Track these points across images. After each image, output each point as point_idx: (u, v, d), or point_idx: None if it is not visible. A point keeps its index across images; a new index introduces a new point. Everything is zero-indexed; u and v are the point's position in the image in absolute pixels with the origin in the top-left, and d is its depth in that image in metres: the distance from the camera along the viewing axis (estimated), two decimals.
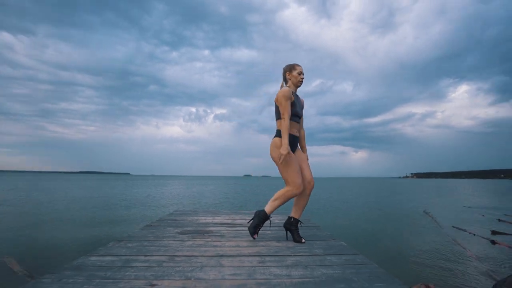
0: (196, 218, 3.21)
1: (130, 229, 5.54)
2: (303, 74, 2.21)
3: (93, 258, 1.65)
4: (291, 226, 2.19)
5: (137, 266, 1.53)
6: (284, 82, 2.28)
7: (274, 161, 2.11)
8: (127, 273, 1.42)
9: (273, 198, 2.13)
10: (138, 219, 7.23)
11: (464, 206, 11.52)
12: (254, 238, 2.17)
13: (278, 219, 3.17)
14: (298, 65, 2.22)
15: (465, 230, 6.20)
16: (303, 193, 2.17)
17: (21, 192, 16.25)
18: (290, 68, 2.22)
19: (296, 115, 2.18)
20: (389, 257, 4.17)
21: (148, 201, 11.96)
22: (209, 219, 3.13)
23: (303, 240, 2.12)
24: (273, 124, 2.23)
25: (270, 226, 2.68)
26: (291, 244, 2.07)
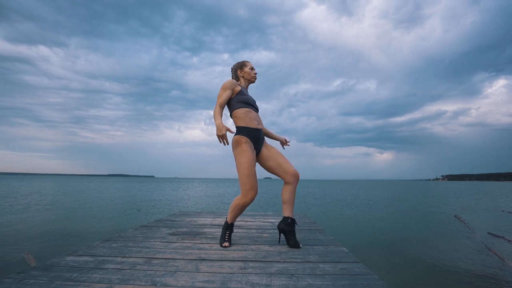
0: (195, 219, 3.09)
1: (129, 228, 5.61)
2: (254, 69, 2.16)
3: (68, 258, 1.58)
4: (288, 227, 1.94)
5: (107, 268, 1.42)
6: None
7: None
8: (93, 275, 1.32)
9: (230, 207, 1.98)
10: (144, 220, 7.34)
11: (503, 211, 10.38)
12: (225, 246, 1.89)
13: (276, 220, 2.96)
14: (248, 61, 2.15)
15: (502, 237, 5.53)
16: (293, 186, 1.92)
17: (56, 193, 17.38)
18: (240, 65, 2.14)
19: (247, 103, 1.98)
20: (411, 265, 3.77)
21: (166, 202, 12.20)
22: (208, 220, 3.00)
23: (301, 245, 1.91)
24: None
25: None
26: (285, 248, 1.86)
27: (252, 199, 1.85)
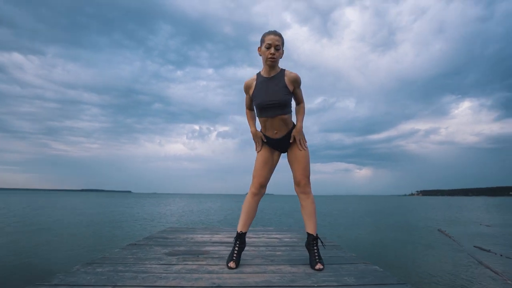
0: (191, 236, 2.72)
1: (114, 248, 4.97)
2: (274, 48, 1.56)
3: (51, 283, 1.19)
4: (308, 245, 1.70)
5: None
6: None
7: None
8: None
9: None
10: (128, 238, 6.66)
11: (482, 225, 10.74)
12: (230, 267, 1.57)
13: (287, 237, 2.67)
14: (269, 33, 1.59)
15: (489, 251, 5.57)
16: (300, 197, 1.78)
17: (20, 210, 15.72)
18: (260, 41, 1.63)
19: (260, 109, 1.67)
20: (412, 281, 3.60)
21: (145, 218, 11.34)
22: (206, 237, 2.64)
23: (318, 266, 1.56)
24: None
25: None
26: (309, 269, 1.58)
27: (255, 192, 1.77)
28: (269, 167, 1.80)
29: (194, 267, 1.60)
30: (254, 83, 1.71)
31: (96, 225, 9.08)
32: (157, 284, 1.30)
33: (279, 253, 2.01)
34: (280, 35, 1.60)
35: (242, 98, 1.86)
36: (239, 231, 1.72)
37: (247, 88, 1.76)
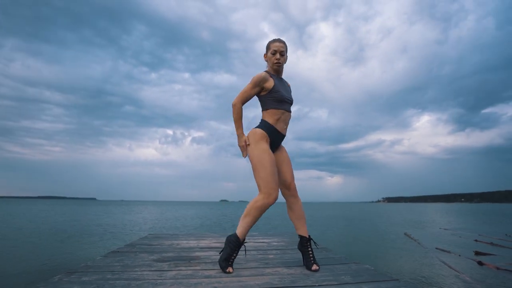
0: (176, 242, 2.61)
1: (90, 257, 4.58)
2: (279, 54, 1.72)
3: None
4: (302, 247, 1.72)
5: None
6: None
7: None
8: None
9: (243, 213, 1.63)
10: (102, 247, 6.18)
11: (440, 228, 11.71)
12: (228, 272, 1.55)
13: (274, 241, 2.68)
14: (274, 41, 1.74)
15: (449, 252, 6.09)
16: (288, 200, 1.75)
17: None
18: (266, 48, 1.78)
19: (282, 101, 1.70)
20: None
21: (115, 227, 10.61)
22: (192, 243, 2.55)
23: (314, 267, 1.60)
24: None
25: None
26: (306, 270, 1.61)
27: (275, 199, 1.60)
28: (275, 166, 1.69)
29: (189, 272, 1.54)
30: (271, 78, 1.72)
31: (63, 234, 8.30)
32: None
33: (271, 256, 2.01)
34: (284, 42, 1.77)
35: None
36: (242, 239, 1.62)
37: (263, 80, 1.68)
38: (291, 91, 1.88)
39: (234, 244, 1.61)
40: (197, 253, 2.08)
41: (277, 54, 1.72)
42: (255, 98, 1.78)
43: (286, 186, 1.74)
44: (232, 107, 1.69)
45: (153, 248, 2.27)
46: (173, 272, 1.53)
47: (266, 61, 1.79)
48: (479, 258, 5.19)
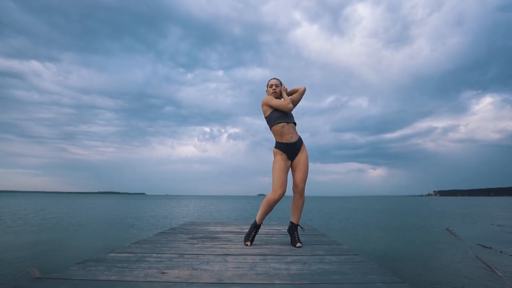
0: (206, 227, 3.35)
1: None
2: (275, 86, 2.39)
3: (111, 254, 1.83)
4: (290, 230, 2.30)
5: (150, 261, 1.69)
6: None
7: None
8: (141, 265, 1.58)
9: (260, 207, 2.27)
10: (149, 232, 7.44)
11: (493, 224, 10.77)
12: (247, 245, 2.21)
13: (284, 228, 3.24)
14: (270, 80, 2.43)
15: (490, 248, 5.84)
16: (294, 196, 2.27)
17: (58, 211, 17.03)
18: (266, 86, 2.46)
19: (282, 116, 2.24)
20: (408, 274, 4.00)
21: (160, 218, 12.18)
22: (218, 229, 3.26)
23: (298, 244, 2.16)
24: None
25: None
26: (295, 248, 2.16)
27: (280, 196, 2.16)
28: (286, 173, 2.25)
29: (210, 245, 2.22)
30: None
31: (130, 221, 10.06)
32: (186, 252, 1.92)
33: (275, 238, 2.59)
34: (277, 79, 2.45)
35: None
36: (258, 223, 2.28)
37: (268, 100, 2.31)
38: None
39: (252, 225, 2.33)
40: (220, 235, 2.76)
41: (273, 86, 2.39)
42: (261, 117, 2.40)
43: (295, 186, 2.26)
44: (290, 109, 2.27)
45: (188, 230, 3.03)
46: (199, 245, 2.22)
47: (268, 95, 2.42)
48: None
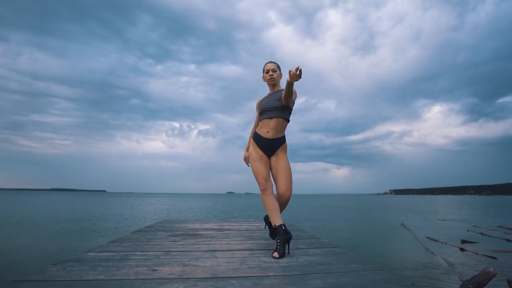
0: (184, 225, 3.28)
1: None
2: (271, 71, 2.09)
3: (91, 254, 1.73)
4: (266, 220, 2.24)
5: (135, 259, 1.63)
6: None
7: None
8: (128, 263, 1.53)
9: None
10: (119, 232, 7.03)
11: (438, 219, 12.23)
12: (274, 257, 1.71)
13: (263, 225, 3.33)
14: (267, 63, 2.13)
15: (437, 240, 6.64)
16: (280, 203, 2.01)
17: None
18: (262, 71, 2.16)
19: (263, 112, 2.05)
20: (371, 262, 4.41)
21: (128, 216, 11.54)
22: (197, 226, 3.22)
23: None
24: None
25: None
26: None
27: (262, 185, 1.92)
28: (265, 162, 2.00)
29: (194, 242, 2.20)
30: (260, 99, 2.18)
31: (84, 221, 9.26)
32: (172, 250, 1.89)
33: (257, 234, 2.65)
34: (275, 62, 2.13)
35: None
36: (278, 225, 1.82)
37: (258, 103, 2.15)
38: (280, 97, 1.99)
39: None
40: (201, 232, 2.74)
41: (270, 71, 2.09)
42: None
43: (280, 195, 1.98)
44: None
45: (166, 228, 2.95)
46: (183, 242, 2.19)
47: (264, 81, 2.15)
48: (464, 245, 5.76)
